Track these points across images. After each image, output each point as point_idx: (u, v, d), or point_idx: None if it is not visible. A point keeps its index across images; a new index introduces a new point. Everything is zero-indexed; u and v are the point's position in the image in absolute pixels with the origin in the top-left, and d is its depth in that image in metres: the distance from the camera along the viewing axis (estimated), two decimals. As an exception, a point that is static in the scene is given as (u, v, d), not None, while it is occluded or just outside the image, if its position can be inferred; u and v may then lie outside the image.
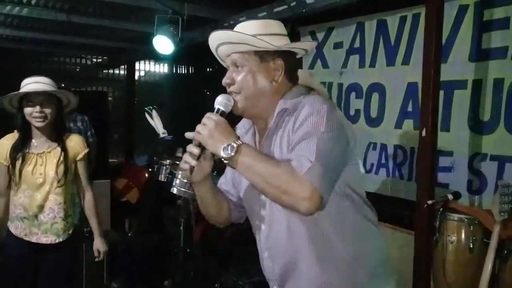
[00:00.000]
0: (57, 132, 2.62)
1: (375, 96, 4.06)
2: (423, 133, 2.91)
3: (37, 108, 2.48)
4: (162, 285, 3.98)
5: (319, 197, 1.25)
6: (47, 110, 2.52)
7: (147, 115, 3.96)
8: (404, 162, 3.80)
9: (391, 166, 3.92)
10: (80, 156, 2.67)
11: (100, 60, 7.70)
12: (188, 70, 8.34)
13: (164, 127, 3.98)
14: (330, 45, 4.53)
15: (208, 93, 7.48)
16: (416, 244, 3.00)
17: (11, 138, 2.60)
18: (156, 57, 7.14)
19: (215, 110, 1.45)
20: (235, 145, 1.31)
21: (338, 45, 4.45)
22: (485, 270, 2.55)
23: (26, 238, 2.58)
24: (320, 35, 4.64)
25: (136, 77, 7.83)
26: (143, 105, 4.31)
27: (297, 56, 1.59)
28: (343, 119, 1.42)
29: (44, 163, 2.55)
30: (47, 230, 2.58)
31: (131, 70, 7.47)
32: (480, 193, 3.25)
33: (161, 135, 3.91)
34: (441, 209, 2.95)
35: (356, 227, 1.49)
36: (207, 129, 1.37)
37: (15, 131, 2.61)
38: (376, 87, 4.05)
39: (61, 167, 2.57)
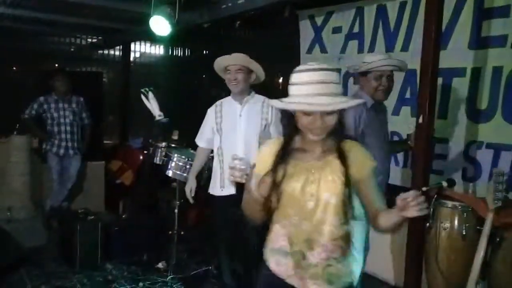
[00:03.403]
0: (334, 138, 1.75)
1: (373, 82, 4.04)
2: (420, 120, 2.90)
3: (318, 121, 1.66)
4: (156, 267, 4.00)
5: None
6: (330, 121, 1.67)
7: (143, 97, 3.91)
8: (400, 148, 3.81)
9: (386, 152, 3.93)
10: (365, 171, 1.74)
11: (95, 40, 7.59)
12: (184, 52, 8.27)
13: (160, 109, 3.94)
14: (329, 30, 4.50)
15: (204, 76, 7.42)
16: (409, 231, 3.01)
17: (274, 143, 1.83)
18: (152, 38, 7.06)
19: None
20: None
21: (337, 30, 4.42)
22: (477, 257, 2.57)
23: (289, 281, 1.81)
24: (319, 19, 4.60)
25: (132, 59, 7.75)
26: (138, 86, 4.27)
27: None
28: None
29: (317, 180, 1.73)
30: (317, 275, 1.77)
31: (126, 51, 7.37)
32: (474, 180, 3.28)
33: (157, 118, 3.88)
34: (435, 196, 2.97)
35: None
36: None
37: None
38: (374, 73, 4.03)
39: (341, 188, 1.71)
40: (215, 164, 3.23)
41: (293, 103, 1.63)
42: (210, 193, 3.24)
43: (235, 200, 3.10)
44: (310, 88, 1.59)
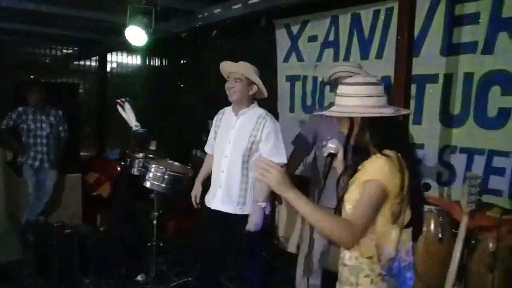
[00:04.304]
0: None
1: (349, 90, 4.09)
2: (395, 126, 2.94)
3: None
4: (135, 280, 3.94)
5: None
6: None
7: (119, 108, 3.87)
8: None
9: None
10: (362, 179, 1.65)
11: (71, 51, 7.51)
12: (161, 62, 8.23)
13: (137, 120, 3.91)
14: (304, 38, 4.54)
15: (182, 85, 7.39)
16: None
17: None
18: (128, 49, 7.02)
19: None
20: None
21: (312, 38, 4.47)
22: (454, 260, 2.61)
23: None
24: (295, 28, 4.64)
25: (108, 69, 7.68)
26: (115, 97, 4.23)
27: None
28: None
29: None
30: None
31: (103, 61, 7.32)
32: (449, 184, 3.33)
33: (134, 128, 3.84)
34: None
35: None
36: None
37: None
38: (350, 80, 4.08)
39: (352, 200, 1.68)
40: None
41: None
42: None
43: (215, 214, 3.06)
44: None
